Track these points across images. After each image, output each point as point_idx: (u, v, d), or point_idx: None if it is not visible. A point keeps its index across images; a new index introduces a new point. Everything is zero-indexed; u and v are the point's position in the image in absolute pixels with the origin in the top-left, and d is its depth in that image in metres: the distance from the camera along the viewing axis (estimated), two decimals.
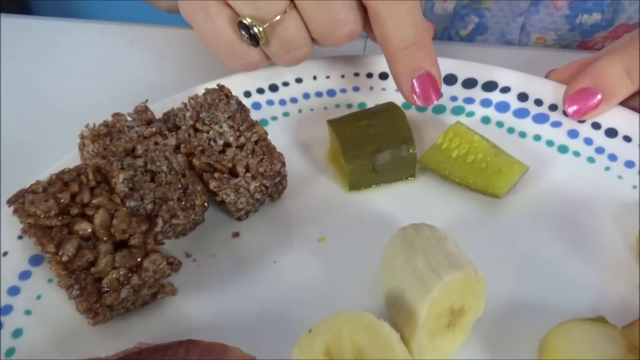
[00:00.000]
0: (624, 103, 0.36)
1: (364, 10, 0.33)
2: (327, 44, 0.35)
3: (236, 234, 0.34)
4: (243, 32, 0.34)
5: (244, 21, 0.33)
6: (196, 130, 0.33)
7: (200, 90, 0.36)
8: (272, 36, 0.34)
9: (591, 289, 0.30)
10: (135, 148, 0.31)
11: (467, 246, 0.31)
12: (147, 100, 0.33)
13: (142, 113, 0.32)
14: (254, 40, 0.33)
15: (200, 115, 0.33)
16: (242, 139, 0.32)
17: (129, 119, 0.32)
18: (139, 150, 0.31)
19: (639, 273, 0.31)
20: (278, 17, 0.33)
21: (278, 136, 0.39)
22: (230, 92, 0.34)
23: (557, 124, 0.38)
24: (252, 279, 0.31)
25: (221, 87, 0.34)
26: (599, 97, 0.35)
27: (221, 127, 0.32)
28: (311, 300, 0.30)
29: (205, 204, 0.31)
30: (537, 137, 0.38)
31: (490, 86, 0.40)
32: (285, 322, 0.29)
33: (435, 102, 0.34)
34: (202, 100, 0.34)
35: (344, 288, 0.31)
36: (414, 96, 0.34)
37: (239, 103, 0.34)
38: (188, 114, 0.33)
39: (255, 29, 0.33)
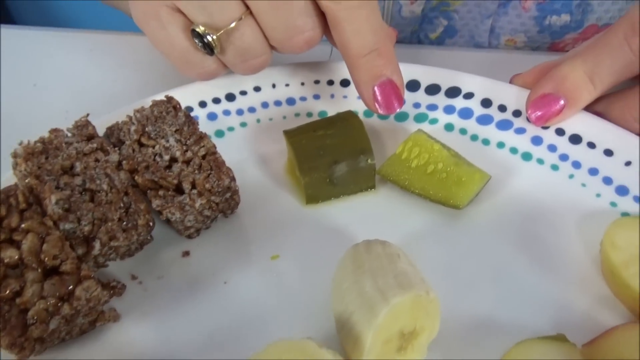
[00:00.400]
0: (589, 108, 0.35)
1: (323, 16, 0.32)
2: (285, 51, 0.34)
3: (186, 253, 0.32)
4: (197, 41, 0.32)
5: (197, 29, 0.31)
6: (141, 145, 0.31)
7: (148, 102, 0.34)
8: (228, 44, 0.32)
9: (553, 304, 0.29)
10: (73, 166, 0.29)
11: (425, 261, 0.30)
12: (87, 115, 0.32)
13: (83, 128, 0.31)
14: (209, 48, 0.32)
15: (146, 129, 0.31)
16: (189, 154, 0.31)
17: (68, 134, 0.30)
18: (78, 168, 0.29)
19: (603, 285, 0.30)
20: (233, 24, 0.31)
21: (235, 148, 0.38)
22: (179, 104, 0.33)
23: (521, 131, 0.37)
24: (201, 301, 0.30)
25: (169, 99, 0.33)
26: (561, 102, 0.34)
27: (168, 141, 0.31)
28: (260, 323, 0.28)
29: (150, 223, 0.29)
30: (500, 145, 0.37)
31: (453, 92, 0.39)
32: (232, 347, 0.27)
33: (398, 109, 0.34)
34: (148, 113, 0.32)
35: (295, 310, 0.29)
36: (376, 104, 0.33)
37: (187, 115, 0.32)
38: (133, 128, 0.31)
39: (209, 37, 0.31)
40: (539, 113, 0.34)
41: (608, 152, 0.34)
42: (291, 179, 0.36)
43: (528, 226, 0.33)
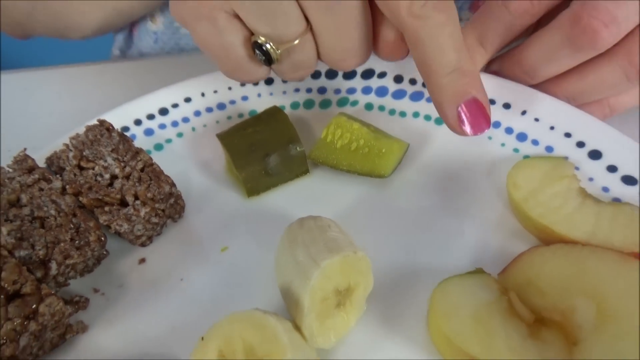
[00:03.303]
0: (486, 69, 0.40)
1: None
2: (332, 67, 0.35)
3: (142, 260, 0.34)
4: (256, 51, 0.32)
5: (259, 40, 0.31)
6: (81, 168, 0.33)
7: (82, 129, 0.36)
8: (286, 56, 0.33)
9: (472, 245, 0.33)
10: (19, 198, 0.31)
11: (359, 227, 0.34)
12: (25, 149, 0.34)
13: (22, 162, 0.33)
14: (268, 60, 0.32)
15: (84, 153, 0.34)
16: (127, 169, 0.33)
17: (9, 170, 0.32)
18: (24, 199, 0.31)
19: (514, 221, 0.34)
20: (297, 41, 0.31)
21: (175, 158, 0.41)
22: (112, 125, 0.35)
23: (431, 99, 0.41)
24: (161, 300, 0.32)
25: (102, 122, 0.35)
26: None
27: (105, 160, 0.33)
28: (217, 308, 0.31)
29: (102, 238, 0.32)
30: (416, 114, 0.41)
31: (368, 74, 0.42)
32: (193, 334, 0.30)
33: (486, 130, 0.31)
34: (83, 138, 0.34)
35: (248, 291, 0.32)
36: (462, 125, 0.31)
37: (121, 134, 0.35)
38: (71, 154, 0.34)
39: (272, 50, 0.32)
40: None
41: (506, 105, 0.38)
42: (231, 177, 0.39)
43: (446, 182, 0.37)
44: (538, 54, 0.36)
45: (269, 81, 0.43)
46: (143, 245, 0.35)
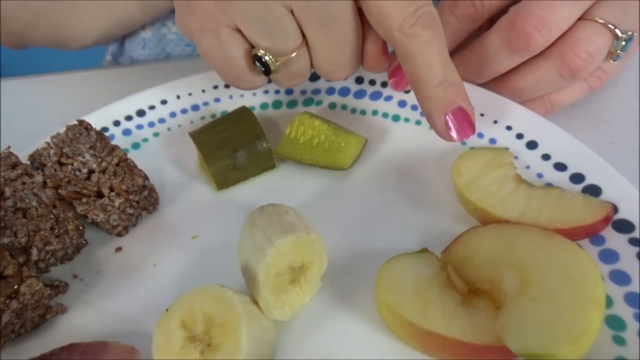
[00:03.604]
0: None
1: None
2: (324, 77, 0.38)
3: (119, 249, 0.37)
4: (256, 62, 0.35)
5: (259, 53, 0.34)
6: (61, 164, 0.36)
7: (62, 128, 0.39)
8: (283, 67, 0.36)
9: (421, 228, 0.36)
10: (3, 191, 0.34)
11: (319, 215, 0.37)
12: (9, 147, 0.37)
13: (6, 158, 0.35)
14: (266, 71, 0.35)
15: (64, 150, 0.37)
16: (104, 164, 0.36)
17: None
18: (7, 192, 0.34)
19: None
20: (294, 54, 0.34)
21: (151, 155, 0.43)
22: (90, 125, 0.38)
23: (389, 98, 0.44)
24: (135, 283, 0.35)
25: (80, 122, 0.38)
26: None
27: (84, 157, 0.36)
28: (185, 288, 0.33)
29: (80, 227, 0.35)
30: (375, 112, 0.44)
31: None
32: (163, 311, 0.33)
33: (471, 135, 0.34)
34: (63, 136, 0.37)
35: (214, 273, 0.35)
36: (450, 132, 0.34)
37: (98, 133, 0.38)
38: (52, 151, 0.36)
39: (271, 62, 0.35)
40: (394, 80, 0.42)
41: None
42: (203, 172, 0.42)
43: (400, 173, 0.40)
44: (482, 56, 0.39)
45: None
46: (119, 235, 0.37)
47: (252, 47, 0.35)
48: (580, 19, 0.37)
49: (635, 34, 0.38)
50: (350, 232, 0.36)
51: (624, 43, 0.37)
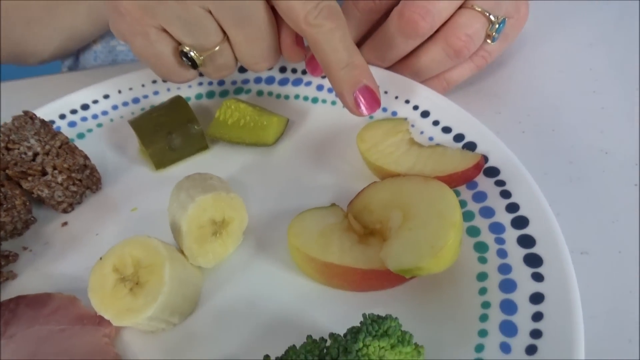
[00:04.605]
0: None
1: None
2: (248, 69, 0.43)
3: (65, 223, 0.41)
4: (183, 58, 0.40)
5: (185, 49, 0.39)
6: (8, 149, 0.40)
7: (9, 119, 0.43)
8: (208, 61, 0.40)
9: (334, 189, 0.41)
10: None
11: (246, 184, 0.42)
12: None
13: None
14: (193, 65, 0.40)
15: (10, 137, 0.41)
16: (47, 147, 0.40)
17: None
18: None
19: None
20: (217, 48, 0.39)
21: (95, 143, 0.48)
22: (34, 115, 0.42)
23: (308, 83, 0.50)
24: (78, 251, 0.39)
25: (26, 112, 0.42)
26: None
27: (29, 142, 0.40)
28: None
29: (27, 203, 0.39)
30: (297, 96, 0.50)
31: None
32: None
33: (378, 109, 0.39)
34: (10, 125, 0.41)
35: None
36: (359, 107, 0.39)
37: (42, 121, 0.42)
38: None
39: (195, 57, 0.39)
40: (310, 67, 0.47)
41: None
42: (143, 156, 0.47)
43: (318, 146, 0.45)
44: (383, 43, 0.45)
45: None
46: (65, 211, 0.42)
47: (179, 44, 0.40)
48: (460, 7, 0.44)
49: (506, 19, 0.45)
50: (272, 196, 0.42)
51: (497, 26, 0.44)
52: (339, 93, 0.39)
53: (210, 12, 0.38)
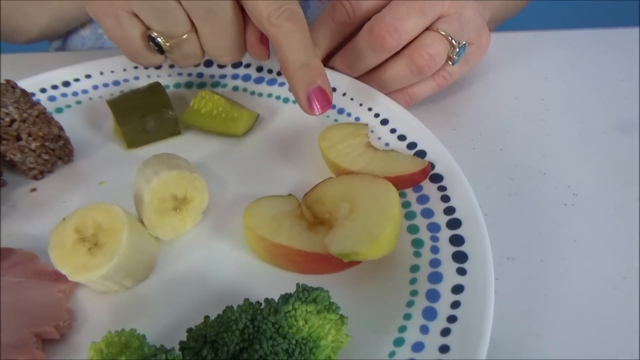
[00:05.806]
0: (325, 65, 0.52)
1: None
2: (214, 60, 0.45)
3: (34, 189, 0.43)
4: (151, 43, 0.42)
5: (152, 35, 0.41)
6: None
7: None
8: (175, 48, 0.42)
9: (294, 182, 0.44)
10: None
11: (212, 170, 0.45)
12: None
13: None
14: (160, 50, 0.42)
15: None
16: (24, 115, 0.42)
17: None
18: None
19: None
20: (185, 36, 0.41)
21: (72, 119, 0.50)
22: (16, 84, 0.44)
23: (282, 84, 0.53)
24: (43, 215, 0.41)
25: (7, 81, 0.44)
26: None
27: (7, 109, 0.42)
28: None
29: None
30: (269, 95, 0.53)
31: (237, 64, 0.54)
32: None
33: (329, 109, 0.41)
34: None
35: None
36: (312, 106, 0.41)
37: (23, 91, 0.44)
38: None
39: (162, 43, 0.41)
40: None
41: (334, 89, 0.51)
42: (116, 135, 0.49)
43: (283, 141, 0.48)
44: (354, 54, 0.49)
45: (159, 66, 0.54)
46: (35, 178, 0.43)
47: (148, 29, 0.42)
48: (426, 29, 0.48)
49: (468, 44, 0.49)
50: (234, 183, 0.44)
51: (457, 50, 0.48)
52: (294, 91, 0.41)
53: (180, 3, 0.41)
